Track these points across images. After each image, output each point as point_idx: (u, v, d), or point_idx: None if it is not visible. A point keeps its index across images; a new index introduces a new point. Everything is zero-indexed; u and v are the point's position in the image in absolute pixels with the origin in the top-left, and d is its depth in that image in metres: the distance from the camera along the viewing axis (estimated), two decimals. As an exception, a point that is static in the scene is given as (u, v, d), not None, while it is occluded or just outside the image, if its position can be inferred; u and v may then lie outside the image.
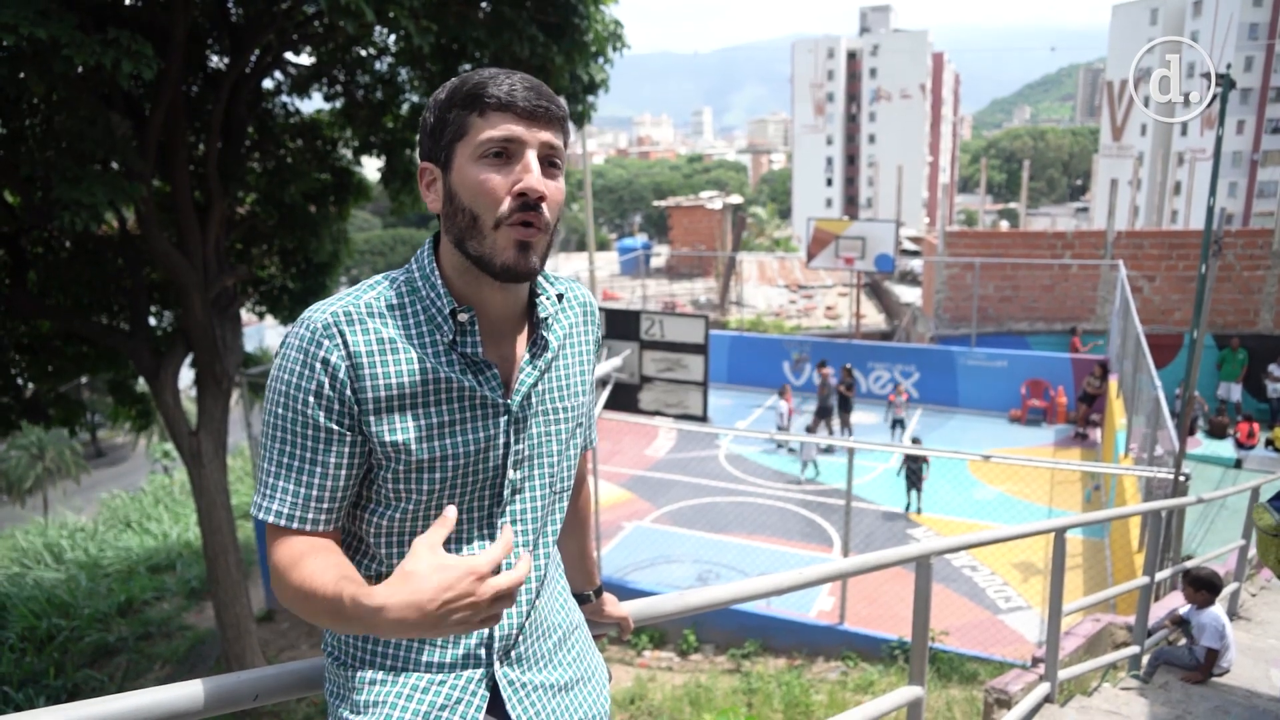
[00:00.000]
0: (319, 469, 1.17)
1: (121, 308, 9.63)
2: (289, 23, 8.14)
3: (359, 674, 1.22)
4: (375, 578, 1.24)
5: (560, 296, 1.34)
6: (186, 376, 9.79)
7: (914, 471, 11.03)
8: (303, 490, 1.17)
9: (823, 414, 14.01)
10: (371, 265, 49.67)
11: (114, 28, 5.83)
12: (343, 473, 1.19)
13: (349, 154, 10.42)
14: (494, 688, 1.25)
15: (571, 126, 1.29)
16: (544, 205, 1.18)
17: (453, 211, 1.20)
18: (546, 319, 1.30)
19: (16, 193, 8.14)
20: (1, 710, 10.29)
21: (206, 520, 9.41)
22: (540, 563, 1.32)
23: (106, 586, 13.74)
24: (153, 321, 10.00)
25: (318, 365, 1.15)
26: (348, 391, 1.16)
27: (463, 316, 1.21)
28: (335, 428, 1.16)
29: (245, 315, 11.00)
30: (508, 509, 1.27)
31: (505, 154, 1.17)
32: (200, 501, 9.40)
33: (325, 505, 1.19)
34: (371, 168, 10.87)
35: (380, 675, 1.21)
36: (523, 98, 1.16)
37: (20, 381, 9.77)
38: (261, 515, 1.18)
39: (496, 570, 1.01)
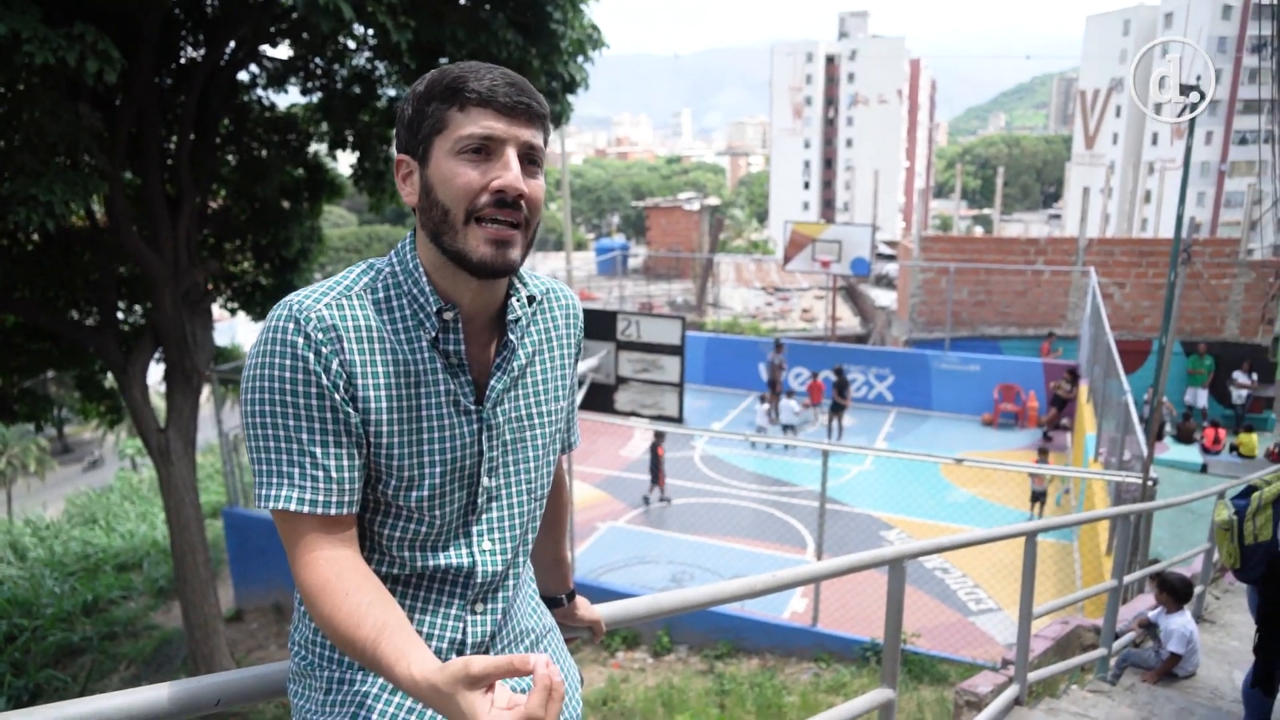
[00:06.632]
0: (328, 442, 1.11)
1: (89, 302, 9.47)
2: (265, 16, 8.04)
3: (326, 674, 1.20)
4: (384, 580, 1.21)
5: (532, 299, 1.30)
6: (156, 372, 9.65)
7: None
8: (316, 472, 1.11)
9: (771, 387, 15.08)
10: (346, 262, 49.05)
11: (81, 21, 5.69)
12: (347, 446, 1.12)
13: (323, 149, 10.32)
14: None
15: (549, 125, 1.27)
16: (522, 202, 1.15)
17: (428, 206, 1.17)
18: (517, 320, 1.26)
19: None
20: (-40, 712, 10.07)
21: (174, 518, 9.27)
22: (517, 569, 1.31)
23: (71, 585, 13.49)
24: (121, 316, 9.85)
25: (315, 335, 1.10)
26: (335, 365, 1.11)
27: (448, 315, 1.19)
28: (335, 396, 1.11)
29: (217, 311, 10.85)
30: (484, 516, 1.25)
31: (484, 151, 1.14)
32: (168, 499, 9.26)
33: (339, 484, 1.12)
34: (346, 164, 10.77)
35: (349, 675, 1.19)
36: (504, 93, 1.14)
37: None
38: (272, 505, 1.10)
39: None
